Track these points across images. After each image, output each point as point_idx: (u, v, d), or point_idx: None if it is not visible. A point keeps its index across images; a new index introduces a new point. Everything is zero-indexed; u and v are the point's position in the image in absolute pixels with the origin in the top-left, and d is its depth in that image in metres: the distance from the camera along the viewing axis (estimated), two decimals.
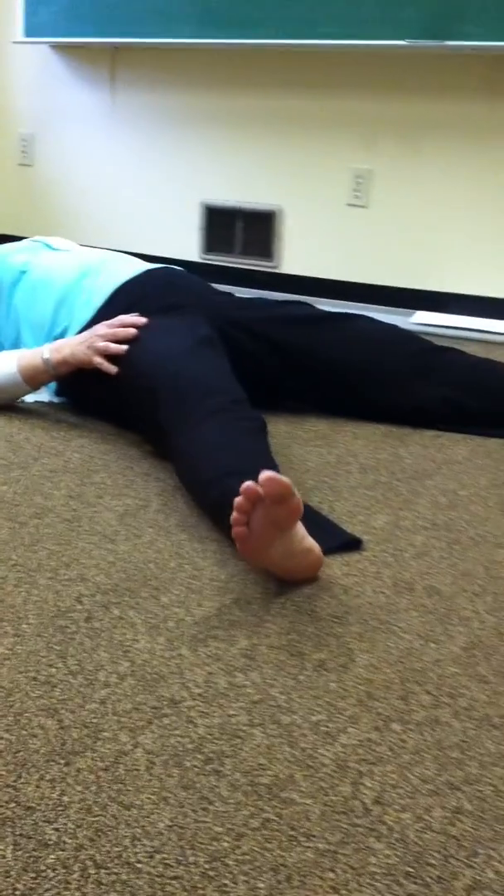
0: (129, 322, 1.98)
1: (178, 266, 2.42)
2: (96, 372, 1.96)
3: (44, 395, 2.21)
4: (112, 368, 1.92)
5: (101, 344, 1.94)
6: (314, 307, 2.22)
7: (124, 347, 1.93)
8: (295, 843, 0.90)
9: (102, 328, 1.98)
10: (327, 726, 1.08)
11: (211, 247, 3.79)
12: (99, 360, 1.94)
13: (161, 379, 1.80)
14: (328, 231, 3.65)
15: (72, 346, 1.98)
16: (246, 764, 1.01)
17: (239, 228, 3.72)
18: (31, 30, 3.84)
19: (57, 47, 4.01)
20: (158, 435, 1.81)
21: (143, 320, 1.97)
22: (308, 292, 3.65)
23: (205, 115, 3.73)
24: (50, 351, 1.99)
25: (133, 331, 1.95)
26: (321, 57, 3.50)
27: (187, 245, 3.86)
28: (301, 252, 3.66)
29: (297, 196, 3.61)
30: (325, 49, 3.39)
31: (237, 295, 2.30)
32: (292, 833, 0.91)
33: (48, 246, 2.39)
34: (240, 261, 3.74)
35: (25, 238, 2.64)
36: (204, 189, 3.80)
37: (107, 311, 2.09)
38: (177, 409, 1.72)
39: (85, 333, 2.00)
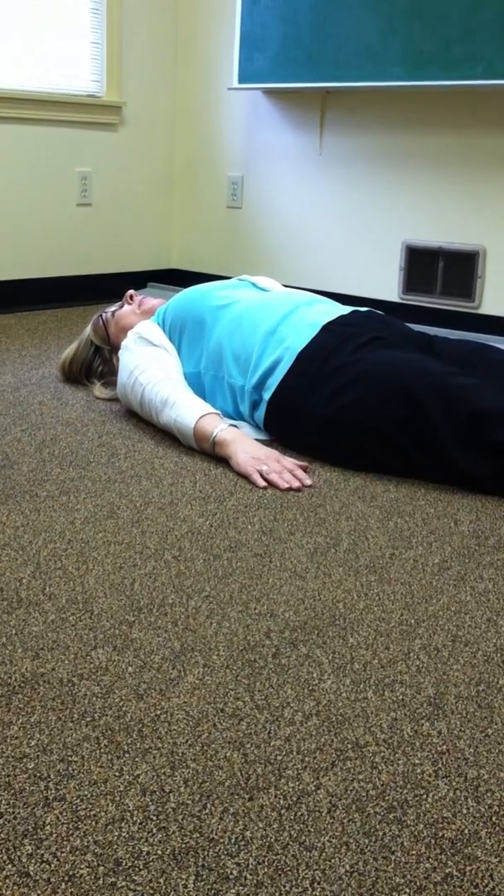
0: (301, 476, 2.00)
1: (378, 306, 2.45)
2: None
3: (248, 429, 2.27)
4: (262, 483, 1.97)
5: (275, 476, 1.99)
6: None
7: (289, 487, 1.97)
8: None
9: (277, 464, 2.02)
10: None
11: (411, 287, 3.78)
12: (260, 481, 1.98)
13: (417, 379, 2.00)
14: None
15: (241, 450, 2.05)
16: (429, 816, 0.99)
17: (440, 268, 3.70)
18: (245, 76, 3.96)
19: (269, 92, 4.12)
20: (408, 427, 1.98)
21: (308, 483, 1.99)
22: None
23: (411, 155, 3.73)
24: (221, 434, 2.09)
25: (297, 484, 1.97)
26: None
27: (388, 285, 3.86)
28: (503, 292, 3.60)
29: (503, 236, 3.55)
30: None
31: (436, 335, 2.34)
32: (475, 891, 0.89)
33: (254, 285, 2.46)
34: (439, 301, 3.71)
35: (232, 277, 2.73)
36: (406, 229, 3.80)
37: (321, 340, 2.16)
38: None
39: (262, 449, 2.06)
